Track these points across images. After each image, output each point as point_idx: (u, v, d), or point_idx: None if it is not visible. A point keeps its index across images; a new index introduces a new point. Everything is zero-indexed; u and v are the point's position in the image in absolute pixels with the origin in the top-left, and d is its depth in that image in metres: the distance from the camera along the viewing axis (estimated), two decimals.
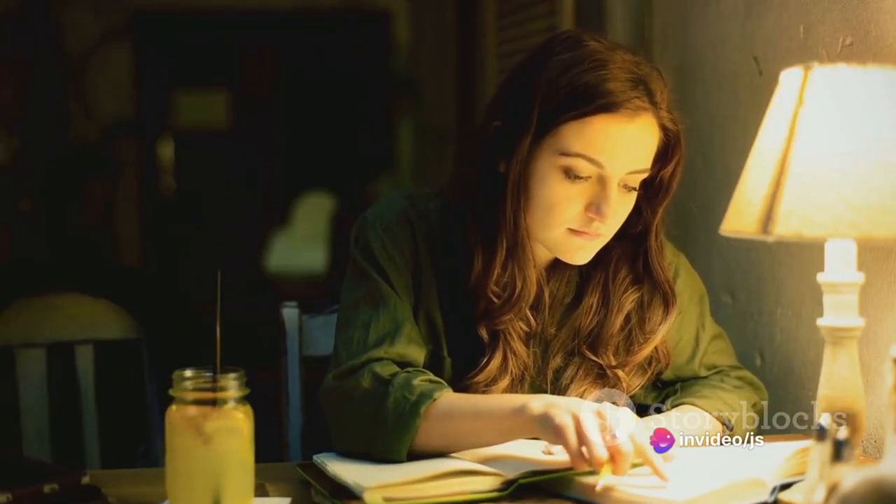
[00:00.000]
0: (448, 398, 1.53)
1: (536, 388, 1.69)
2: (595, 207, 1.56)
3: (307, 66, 6.47)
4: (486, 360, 1.63)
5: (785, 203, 1.39)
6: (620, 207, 1.60)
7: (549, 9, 3.15)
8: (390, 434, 1.52)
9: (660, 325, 1.69)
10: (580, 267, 1.71)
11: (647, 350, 1.69)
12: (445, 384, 1.58)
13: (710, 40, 2.25)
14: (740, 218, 1.45)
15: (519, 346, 1.64)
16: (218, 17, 6.19)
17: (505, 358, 1.63)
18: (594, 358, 1.68)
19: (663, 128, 1.59)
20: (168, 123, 6.29)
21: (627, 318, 1.69)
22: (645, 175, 1.60)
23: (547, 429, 1.43)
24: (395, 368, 1.59)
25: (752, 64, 2.09)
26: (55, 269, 3.69)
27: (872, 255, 1.73)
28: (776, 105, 1.48)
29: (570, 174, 1.56)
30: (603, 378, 1.68)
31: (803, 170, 1.39)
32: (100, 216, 3.91)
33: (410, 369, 1.59)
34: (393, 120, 6.40)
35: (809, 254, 1.90)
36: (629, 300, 1.69)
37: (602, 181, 1.56)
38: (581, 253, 1.63)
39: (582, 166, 1.55)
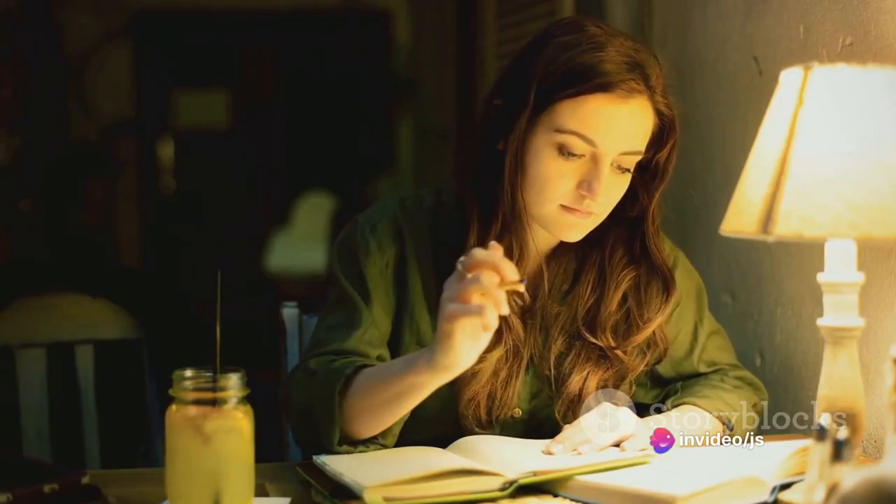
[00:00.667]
0: (362, 373, 1.55)
1: (539, 374, 1.69)
2: (587, 185, 1.58)
3: (307, 66, 6.48)
4: None
5: (785, 203, 1.39)
6: (613, 188, 1.61)
7: (549, 9, 3.15)
8: (320, 421, 1.54)
9: (659, 308, 1.70)
10: (577, 253, 1.72)
11: (646, 332, 1.70)
12: (370, 361, 1.59)
13: (710, 40, 2.25)
14: (740, 218, 1.45)
15: (513, 319, 1.65)
16: (218, 17, 6.20)
17: (499, 329, 1.61)
18: (593, 340, 1.69)
19: (658, 112, 1.62)
20: (168, 123, 6.30)
21: (624, 298, 1.70)
22: (639, 157, 1.62)
23: (444, 341, 1.38)
24: (331, 359, 1.61)
25: (752, 64, 2.09)
26: (55, 269, 3.69)
27: (872, 255, 1.73)
28: (776, 105, 1.48)
29: (564, 151, 1.58)
30: (605, 361, 1.69)
31: (803, 170, 1.39)
32: (100, 216, 3.91)
33: (340, 356, 1.61)
34: (393, 120, 6.41)
35: (809, 254, 1.90)
36: (625, 279, 1.70)
37: (595, 159, 1.58)
38: (573, 230, 1.64)
39: (575, 144, 1.57)
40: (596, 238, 1.69)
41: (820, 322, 1.46)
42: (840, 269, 1.45)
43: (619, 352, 1.69)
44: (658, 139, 1.65)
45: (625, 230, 1.71)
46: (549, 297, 1.70)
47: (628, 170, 1.61)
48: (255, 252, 6.36)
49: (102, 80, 5.71)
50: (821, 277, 1.46)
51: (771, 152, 1.44)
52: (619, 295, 1.70)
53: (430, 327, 1.67)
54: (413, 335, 1.68)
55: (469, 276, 1.37)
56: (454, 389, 1.61)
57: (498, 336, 1.63)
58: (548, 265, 1.71)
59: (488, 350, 1.60)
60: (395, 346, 1.68)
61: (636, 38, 1.65)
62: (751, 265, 2.11)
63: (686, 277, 1.78)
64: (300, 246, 6.42)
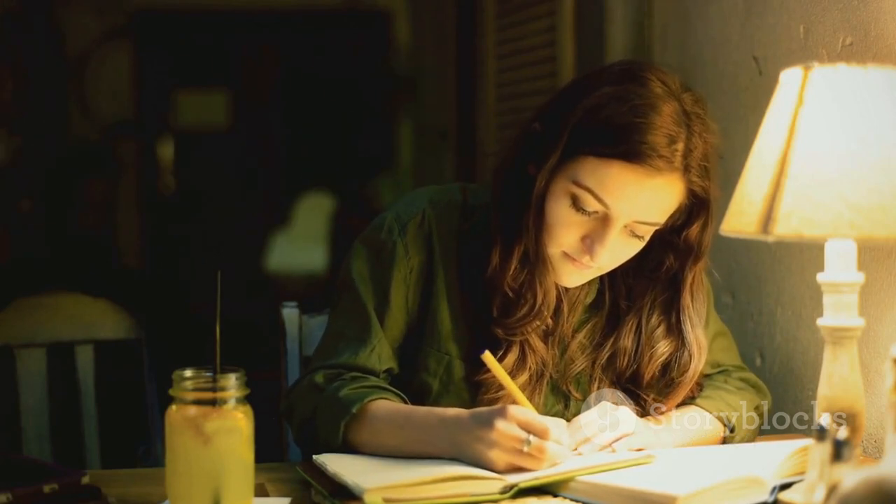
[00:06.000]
0: (374, 411, 1.55)
1: (556, 389, 1.69)
2: (590, 242, 1.55)
3: (307, 66, 6.47)
4: (501, 354, 1.61)
5: (785, 203, 1.39)
6: (620, 249, 1.58)
7: (549, 9, 3.15)
8: (321, 443, 1.56)
9: (695, 370, 1.67)
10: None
11: (684, 391, 1.68)
12: (379, 391, 1.58)
13: (710, 40, 2.25)
14: (740, 218, 1.45)
15: (537, 343, 1.63)
16: (218, 17, 6.19)
17: (522, 353, 1.62)
18: (639, 392, 1.68)
19: (690, 191, 1.56)
20: (168, 123, 6.30)
21: (664, 368, 1.67)
22: (655, 228, 1.58)
23: (479, 461, 1.46)
24: (337, 373, 1.61)
25: (752, 64, 2.09)
26: (55, 269, 3.70)
27: (872, 255, 1.73)
28: (776, 105, 1.48)
29: (577, 204, 1.54)
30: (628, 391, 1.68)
31: (803, 170, 1.39)
32: (100, 216, 3.92)
33: (348, 375, 1.61)
34: (393, 120, 6.40)
35: (809, 254, 1.90)
36: (661, 353, 1.67)
37: (605, 220, 1.54)
38: (571, 277, 1.62)
39: (589, 201, 1.53)
40: (633, 296, 1.67)
41: (820, 322, 1.46)
42: (840, 269, 1.45)
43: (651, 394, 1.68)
44: (687, 214, 1.60)
45: (661, 293, 1.67)
46: (571, 313, 1.69)
47: (641, 237, 1.57)
48: (255, 252, 6.36)
49: (102, 80, 5.70)
50: (821, 277, 1.46)
51: (771, 152, 1.44)
52: (657, 364, 1.67)
53: (451, 332, 1.66)
54: (433, 339, 1.66)
55: (531, 439, 1.43)
56: (475, 407, 1.60)
57: (522, 360, 1.62)
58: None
59: (513, 375, 1.60)
60: (413, 349, 1.68)
61: (700, 99, 1.57)
62: (751, 265, 2.11)
63: None
64: (300, 246, 6.41)
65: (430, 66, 5.38)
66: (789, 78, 1.47)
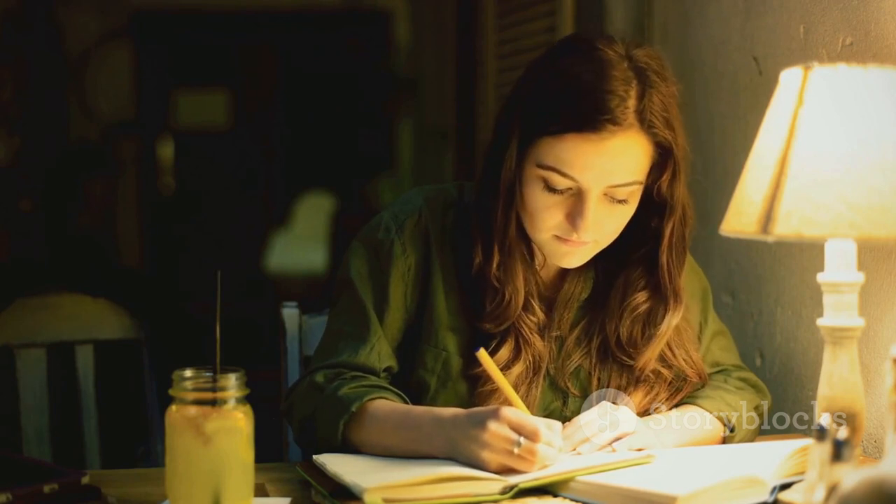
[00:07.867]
0: (373, 411, 1.55)
1: (554, 385, 1.69)
2: (572, 218, 1.56)
3: (307, 65, 6.48)
4: (494, 345, 1.62)
5: (785, 203, 1.39)
6: (607, 219, 1.58)
7: (549, 9, 3.15)
8: (321, 442, 1.57)
9: (666, 324, 1.66)
10: (598, 266, 1.70)
11: (659, 344, 1.66)
12: (379, 390, 1.59)
13: (710, 40, 2.25)
14: (740, 218, 1.45)
15: (532, 337, 1.64)
16: (218, 17, 6.20)
17: (517, 346, 1.63)
18: (629, 362, 1.67)
19: (657, 144, 1.56)
20: (168, 123, 6.30)
21: (636, 320, 1.67)
22: (634, 188, 1.57)
23: (472, 460, 1.46)
24: (337, 372, 1.62)
25: (752, 64, 2.09)
26: (55, 268, 3.70)
27: (872, 255, 1.73)
28: (776, 105, 1.48)
29: (549, 185, 1.55)
30: (624, 371, 1.68)
31: (803, 170, 1.39)
32: (100, 216, 3.92)
33: (348, 374, 1.61)
34: (393, 119, 6.41)
35: (809, 254, 1.90)
36: (638, 304, 1.66)
37: (580, 194, 1.55)
38: (569, 258, 1.62)
39: (558, 180, 1.54)
40: (620, 262, 1.67)
41: (820, 322, 1.46)
42: (840, 269, 1.45)
43: (641, 369, 1.67)
44: (659, 166, 1.60)
45: (644, 249, 1.67)
46: (567, 308, 1.69)
47: (624, 200, 1.57)
48: (255, 252, 6.37)
49: (102, 80, 5.71)
50: (821, 277, 1.46)
51: (771, 152, 1.44)
52: (636, 316, 1.66)
53: (448, 328, 1.66)
54: (430, 335, 1.67)
55: (521, 441, 1.43)
56: (472, 402, 1.61)
57: (517, 352, 1.62)
58: (565, 276, 1.70)
59: (508, 367, 1.60)
60: (411, 346, 1.68)
61: (654, 54, 1.57)
62: (751, 265, 2.11)
63: (690, 279, 1.77)
64: (300, 246, 6.42)
65: (430, 66, 5.39)
66: (789, 78, 1.47)
